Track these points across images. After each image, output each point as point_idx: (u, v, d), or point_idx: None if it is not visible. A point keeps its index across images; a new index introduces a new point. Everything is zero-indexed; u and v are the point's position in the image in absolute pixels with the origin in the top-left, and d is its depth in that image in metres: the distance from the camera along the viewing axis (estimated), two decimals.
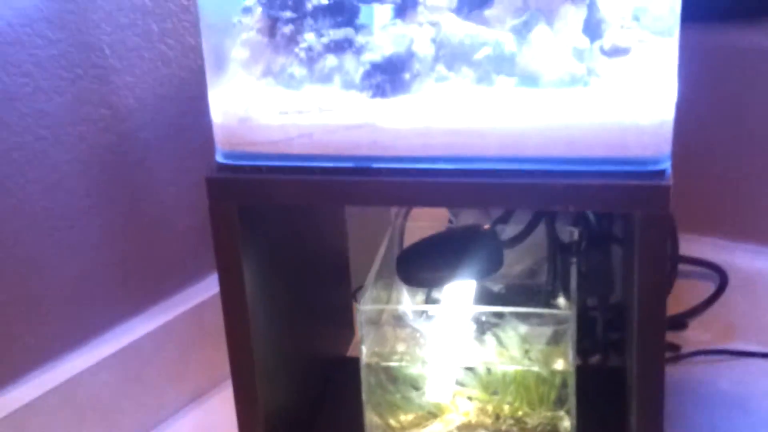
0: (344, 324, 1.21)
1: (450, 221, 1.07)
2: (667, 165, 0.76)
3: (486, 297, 1.00)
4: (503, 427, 0.92)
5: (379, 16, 0.85)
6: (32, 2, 0.93)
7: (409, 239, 0.99)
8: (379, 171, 0.79)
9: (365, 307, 0.89)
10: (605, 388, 1.02)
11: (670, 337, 1.18)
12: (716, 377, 1.14)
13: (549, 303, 0.98)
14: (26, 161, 0.95)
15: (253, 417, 0.88)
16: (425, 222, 1.03)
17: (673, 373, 1.14)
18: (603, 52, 0.79)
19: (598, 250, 0.98)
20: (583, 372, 0.91)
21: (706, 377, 1.14)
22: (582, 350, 1.10)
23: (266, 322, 0.89)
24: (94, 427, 1.03)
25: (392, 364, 0.91)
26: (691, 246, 1.19)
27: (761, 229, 1.18)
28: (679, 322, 1.19)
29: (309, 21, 0.80)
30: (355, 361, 0.93)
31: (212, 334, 1.05)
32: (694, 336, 1.19)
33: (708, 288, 1.19)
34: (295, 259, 0.99)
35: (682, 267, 1.19)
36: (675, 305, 1.19)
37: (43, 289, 0.98)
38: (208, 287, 1.14)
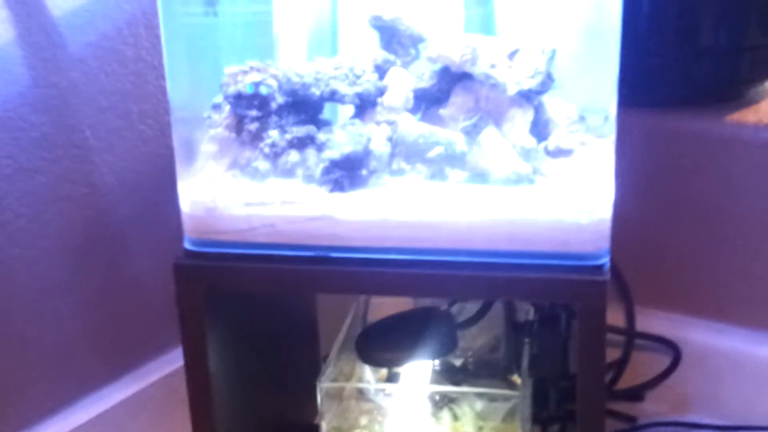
0: (312, 392, 1.25)
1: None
2: (605, 260, 0.81)
3: (446, 371, 1.04)
4: None
5: (343, 112, 0.91)
6: (16, 89, 0.98)
7: (374, 314, 1.04)
8: (338, 260, 0.84)
9: (324, 384, 0.94)
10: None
11: (627, 408, 1.23)
12: None
13: (506, 378, 1.03)
14: (6, 237, 1.00)
15: None
16: (389, 299, 1.08)
17: None
18: (548, 152, 0.85)
19: (550, 329, 1.02)
20: None
21: None
22: (541, 420, 1.14)
23: (231, 394, 0.93)
24: None
25: None
26: (648, 320, 1.24)
27: (714, 306, 1.23)
28: (636, 395, 1.24)
29: (274, 118, 0.85)
30: None
31: (184, 401, 1.09)
32: (650, 408, 1.24)
33: (663, 361, 1.24)
34: (262, 332, 1.03)
35: (641, 343, 1.23)
36: (632, 378, 1.24)
37: (19, 358, 1.02)
38: (180, 357, 1.19)
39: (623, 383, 1.22)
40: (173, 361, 1.17)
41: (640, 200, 1.18)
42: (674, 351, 1.23)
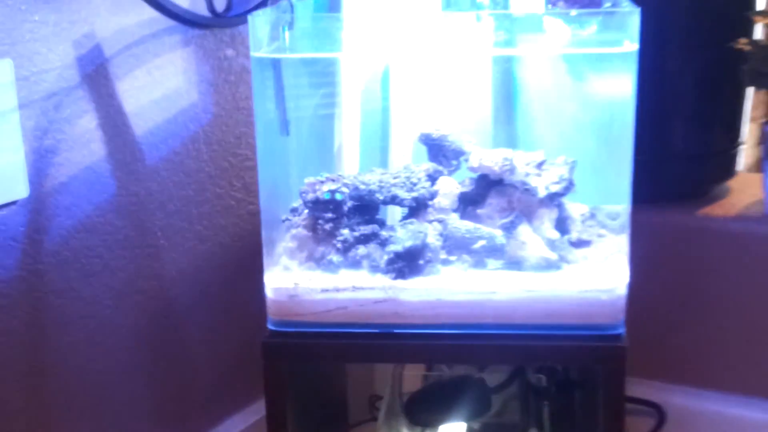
0: None
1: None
2: (622, 330, 0.99)
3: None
4: None
5: (391, 212, 1.09)
6: (106, 197, 1.14)
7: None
8: (400, 335, 1.01)
9: None
10: None
11: None
12: None
13: None
14: (95, 327, 1.15)
15: None
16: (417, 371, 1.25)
17: None
18: (571, 243, 1.03)
19: (564, 393, 1.20)
20: None
21: None
22: None
23: None
24: None
25: None
26: (635, 387, 1.42)
27: (692, 373, 1.42)
28: None
29: (344, 219, 1.03)
30: None
31: None
32: None
33: (649, 423, 1.42)
34: (309, 403, 1.19)
35: (628, 407, 1.41)
36: None
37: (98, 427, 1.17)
38: (228, 430, 1.34)
39: None
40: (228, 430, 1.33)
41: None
42: (659, 413, 1.41)
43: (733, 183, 1.49)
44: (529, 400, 1.20)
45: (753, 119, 1.59)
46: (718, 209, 1.41)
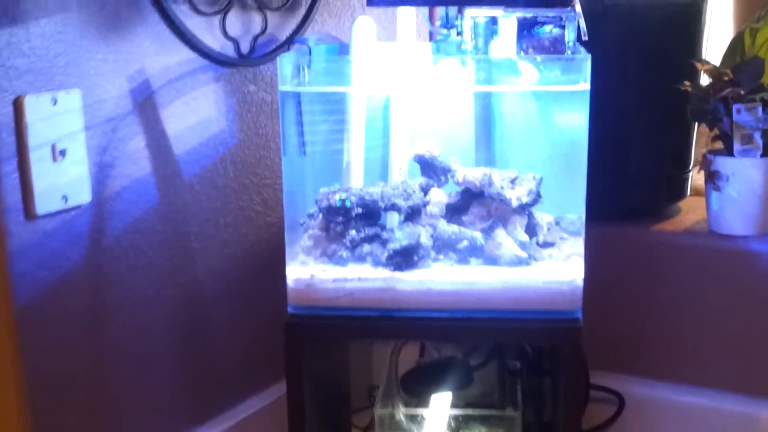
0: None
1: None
2: (579, 314, 1.22)
3: (460, 406, 1.42)
4: None
5: (390, 218, 1.31)
6: (150, 205, 1.36)
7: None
8: (397, 318, 1.23)
9: (378, 411, 1.32)
10: None
11: None
12: None
13: (503, 411, 1.41)
14: (134, 314, 1.36)
15: None
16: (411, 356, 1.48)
17: None
18: (538, 244, 1.26)
19: (535, 376, 1.42)
20: None
21: None
22: None
23: (310, 421, 1.30)
24: None
25: None
26: (598, 378, 1.64)
27: (646, 366, 1.64)
28: None
29: (352, 223, 1.25)
30: None
31: None
32: None
33: (611, 409, 1.64)
34: (320, 385, 1.41)
35: (593, 394, 1.63)
36: (588, 421, 1.63)
37: (135, 402, 1.38)
38: (247, 408, 1.55)
39: (583, 427, 1.62)
40: (246, 409, 1.54)
41: (590, 290, 1.60)
42: (620, 400, 1.63)
43: (683, 204, 1.73)
44: (505, 381, 1.42)
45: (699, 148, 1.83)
46: (668, 225, 1.63)
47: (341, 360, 1.55)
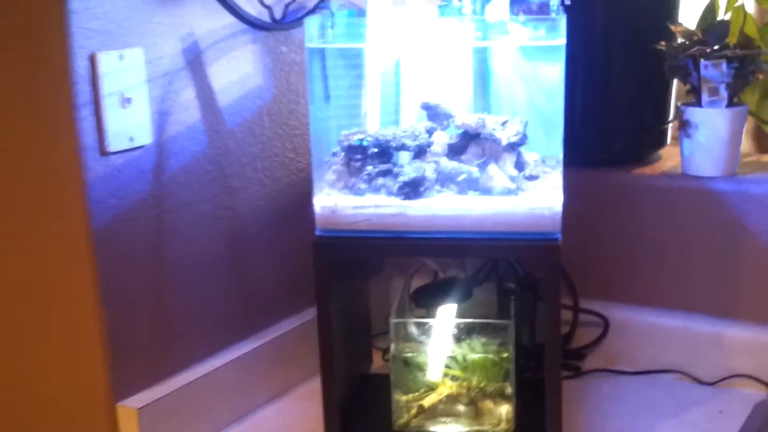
0: (367, 356, 1.86)
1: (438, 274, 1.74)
2: (558, 235, 1.45)
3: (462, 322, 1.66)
4: (472, 394, 1.57)
5: (401, 156, 1.55)
6: (199, 148, 1.61)
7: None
8: (406, 239, 1.47)
9: (394, 319, 1.56)
10: (532, 386, 1.67)
11: (575, 362, 1.85)
12: (602, 386, 1.80)
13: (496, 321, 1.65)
14: (186, 243, 1.61)
15: (331, 385, 1.53)
16: (422, 281, 1.72)
17: (577, 384, 1.80)
18: (525, 177, 1.50)
19: (526, 293, 1.66)
20: (519, 381, 1.56)
21: (597, 386, 1.80)
22: (518, 368, 1.75)
23: (337, 336, 1.54)
24: (216, 405, 1.67)
25: (408, 354, 1.57)
26: (587, 304, 1.88)
27: (628, 293, 1.87)
28: (580, 353, 1.87)
29: (369, 159, 1.49)
30: (375, 377, 1.57)
31: (287, 356, 1.72)
32: (589, 361, 1.87)
33: (597, 330, 1.88)
34: (344, 311, 1.65)
35: (582, 317, 1.87)
36: (577, 341, 1.87)
37: (186, 319, 1.63)
38: (283, 327, 1.80)
39: (572, 346, 1.86)
40: (281, 329, 1.79)
41: (579, 228, 1.83)
42: (604, 322, 1.87)
43: (663, 152, 1.95)
44: (500, 299, 1.66)
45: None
46: (648, 170, 1.86)
47: (362, 291, 1.80)
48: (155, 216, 1.53)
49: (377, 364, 1.88)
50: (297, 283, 1.82)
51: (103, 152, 1.43)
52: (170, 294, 1.58)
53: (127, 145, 1.45)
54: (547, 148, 1.53)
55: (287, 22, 1.73)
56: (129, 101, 1.45)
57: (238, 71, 1.66)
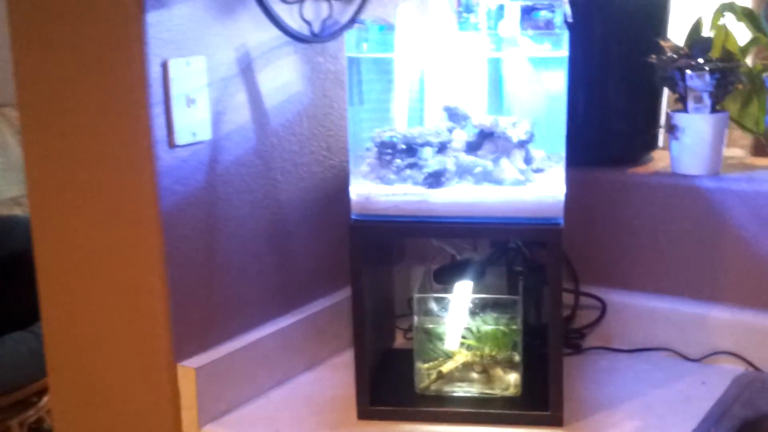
0: (391, 334, 2.09)
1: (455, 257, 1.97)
2: (561, 221, 1.68)
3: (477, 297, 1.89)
4: (485, 362, 1.80)
5: (425, 151, 1.78)
6: (249, 145, 1.84)
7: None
8: (429, 223, 1.70)
9: (417, 295, 1.79)
10: (539, 362, 1.90)
11: (575, 341, 2.08)
12: (600, 362, 2.03)
13: (506, 297, 1.88)
14: (237, 227, 1.84)
15: (363, 353, 1.75)
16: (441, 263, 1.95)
17: (578, 360, 2.02)
18: (533, 170, 1.73)
19: (533, 274, 1.89)
20: (526, 356, 1.79)
21: (595, 362, 2.03)
22: (526, 344, 1.98)
23: (367, 312, 1.77)
24: (260, 370, 1.90)
25: (429, 326, 1.80)
26: (586, 288, 2.10)
27: (623, 280, 2.09)
28: (580, 333, 2.10)
29: (397, 154, 1.73)
30: (398, 351, 1.81)
31: (322, 330, 1.95)
32: (588, 340, 2.09)
33: (596, 313, 2.10)
34: (374, 288, 1.87)
35: (582, 300, 2.10)
36: (578, 322, 2.10)
37: (234, 296, 1.86)
38: (317, 306, 2.03)
39: (573, 326, 2.09)
40: (316, 306, 2.02)
41: (580, 220, 2.06)
42: (603, 305, 2.09)
43: (655, 154, 2.18)
44: (510, 279, 1.90)
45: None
46: (641, 169, 2.08)
47: (388, 276, 2.02)
48: (211, 202, 1.77)
49: (399, 341, 2.10)
50: (330, 267, 2.05)
51: (172, 145, 1.66)
52: (222, 271, 1.81)
53: (191, 140, 1.69)
54: (552, 145, 1.76)
55: (324, 36, 1.96)
56: (193, 102, 1.68)
57: (281, 78, 1.90)
